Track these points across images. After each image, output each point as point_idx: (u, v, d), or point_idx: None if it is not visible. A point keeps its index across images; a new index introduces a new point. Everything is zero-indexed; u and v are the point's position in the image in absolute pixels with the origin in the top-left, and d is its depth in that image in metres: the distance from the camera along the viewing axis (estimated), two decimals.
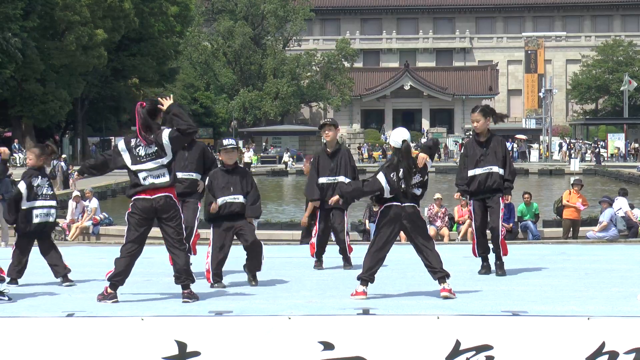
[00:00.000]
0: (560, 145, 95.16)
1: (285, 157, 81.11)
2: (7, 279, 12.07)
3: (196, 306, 10.12)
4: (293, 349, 8.65)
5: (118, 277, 10.60)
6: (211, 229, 12.27)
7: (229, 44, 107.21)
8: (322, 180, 13.99)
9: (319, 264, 14.09)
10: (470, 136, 13.37)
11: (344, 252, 14.00)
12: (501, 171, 12.91)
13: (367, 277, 10.76)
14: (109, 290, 10.56)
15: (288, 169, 77.17)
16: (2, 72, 65.68)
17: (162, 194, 10.64)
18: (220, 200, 12.11)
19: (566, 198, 27.62)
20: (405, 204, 10.77)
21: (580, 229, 27.20)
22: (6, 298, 10.67)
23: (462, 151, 13.31)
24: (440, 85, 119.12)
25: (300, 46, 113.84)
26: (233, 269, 13.14)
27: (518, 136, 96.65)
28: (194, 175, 12.98)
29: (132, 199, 10.71)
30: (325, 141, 14.26)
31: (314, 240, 14.18)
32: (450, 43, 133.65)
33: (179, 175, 12.55)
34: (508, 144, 76.55)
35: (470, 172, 13.02)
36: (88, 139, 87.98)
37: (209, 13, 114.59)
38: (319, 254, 14.14)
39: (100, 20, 72.67)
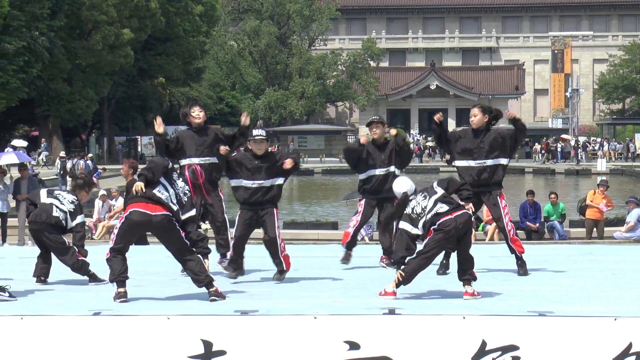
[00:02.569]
0: (602, 144, 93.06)
1: None
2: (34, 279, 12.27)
3: (222, 305, 10.13)
4: (319, 349, 8.65)
5: (123, 275, 10.64)
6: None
7: (255, 43, 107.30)
8: (376, 172, 13.68)
9: (347, 258, 13.67)
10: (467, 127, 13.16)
11: (390, 250, 13.40)
12: (495, 162, 12.79)
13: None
14: (118, 290, 10.60)
15: None
16: (29, 71, 66.03)
17: None
18: (248, 183, 12.19)
19: (590, 198, 27.49)
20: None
21: (607, 229, 27.05)
22: (6, 294, 10.57)
23: (454, 129, 13.18)
24: (466, 84, 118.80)
25: (326, 46, 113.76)
26: (257, 268, 13.15)
27: (563, 136, 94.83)
28: (210, 160, 12.70)
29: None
30: (372, 138, 13.84)
31: (350, 230, 13.73)
32: (476, 42, 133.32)
33: (196, 160, 12.62)
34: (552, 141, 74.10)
35: (463, 163, 12.91)
36: (115, 139, 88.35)
37: (234, 12, 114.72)
38: (351, 244, 13.72)
39: (127, 19, 73.00)
